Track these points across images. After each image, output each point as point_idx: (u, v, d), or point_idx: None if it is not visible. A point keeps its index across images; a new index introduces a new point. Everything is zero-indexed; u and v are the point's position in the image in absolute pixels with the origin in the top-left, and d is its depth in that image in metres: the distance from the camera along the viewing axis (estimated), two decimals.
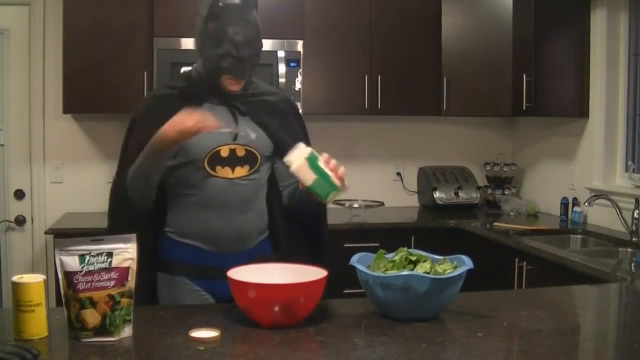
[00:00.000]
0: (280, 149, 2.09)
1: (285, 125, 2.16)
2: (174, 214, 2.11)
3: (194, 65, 2.14)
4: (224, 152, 2.05)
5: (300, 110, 3.86)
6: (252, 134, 2.09)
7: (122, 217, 2.08)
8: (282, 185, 2.21)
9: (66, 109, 3.82)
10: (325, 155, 1.89)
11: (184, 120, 1.84)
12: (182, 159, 2.04)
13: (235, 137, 2.06)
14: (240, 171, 2.07)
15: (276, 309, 1.66)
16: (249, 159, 2.08)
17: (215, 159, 2.04)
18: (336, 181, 1.86)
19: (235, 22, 1.99)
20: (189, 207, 2.08)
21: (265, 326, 1.68)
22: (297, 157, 1.86)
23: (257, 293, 1.68)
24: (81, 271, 1.58)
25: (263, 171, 2.14)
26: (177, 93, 2.10)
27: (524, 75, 3.86)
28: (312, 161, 1.86)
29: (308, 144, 2.20)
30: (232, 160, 2.06)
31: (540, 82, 3.84)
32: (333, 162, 1.89)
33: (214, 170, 2.05)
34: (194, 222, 2.07)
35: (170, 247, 2.10)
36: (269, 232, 2.19)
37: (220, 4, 2.00)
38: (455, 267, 1.77)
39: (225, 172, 2.05)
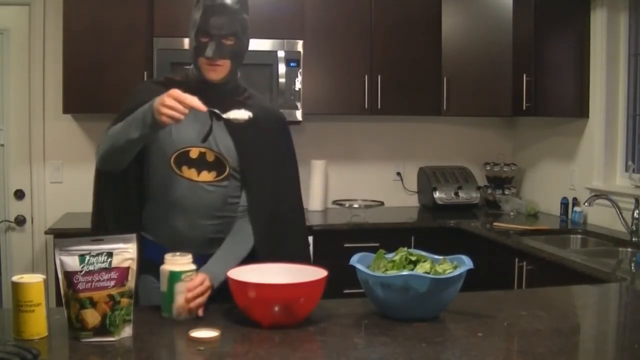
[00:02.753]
0: (245, 168, 2.06)
1: (257, 144, 2.10)
2: (146, 212, 2.12)
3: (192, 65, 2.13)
4: (194, 153, 2.03)
5: (300, 110, 3.89)
6: (223, 142, 2.05)
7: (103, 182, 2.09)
8: (239, 204, 2.12)
9: (66, 109, 3.82)
10: (193, 283, 1.78)
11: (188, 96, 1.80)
12: (153, 152, 2.04)
13: (204, 140, 2.01)
14: (206, 176, 2.04)
15: (276, 309, 1.66)
16: (217, 165, 2.05)
17: (183, 159, 2.02)
18: (175, 310, 1.75)
19: (214, 9, 1.97)
20: (157, 205, 2.08)
21: (265, 326, 1.68)
22: (169, 263, 1.79)
23: (257, 293, 1.68)
24: (81, 271, 1.58)
25: (233, 181, 2.08)
26: (166, 83, 2.08)
27: (524, 75, 3.86)
28: (172, 278, 1.76)
29: (284, 165, 2.16)
30: (200, 163, 2.03)
31: (540, 82, 3.84)
32: (195, 292, 1.77)
33: (179, 169, 2.03)
34: (160, 222, 2.07)
35: (142, 244, 2.08)
36: None
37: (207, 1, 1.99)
38: (455, 267, 1.77)
39: (190, 173, 2.03)
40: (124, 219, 2.10)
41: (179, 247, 1.95)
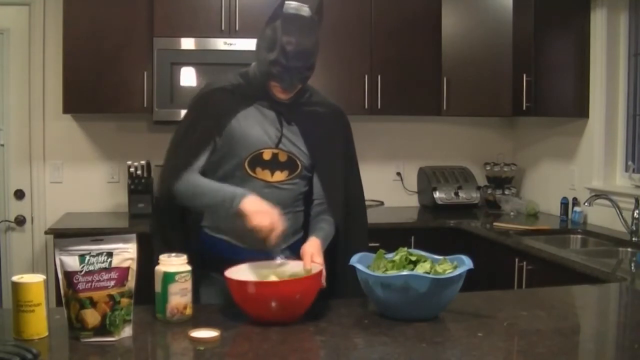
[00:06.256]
0: (317, 164, 2.12)
1: (327, 141, 2.15)
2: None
3: (252, 64, 2.13)
4: (267, 155, 2.05)
5: None
6: (296, 143, 2.09)
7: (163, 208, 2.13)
8: (313, 199, 2.18)
9: (66, 109, 3.82)
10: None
11: (263, 215, 1.87)
12: (225, 157, 2.06)
13: (278, 143, 2.06)
14: (279, 176, 2.07)
15: (273, 304, 1.67)
16: (290, 165, 2.08)
17: (257, 161, 2.05)
18: (169, 312, 1.73)
19: (291, 31, 1.96)
20: None
21: (263, 322, 1.69)
22: (163, 263, 1.77)
23: (255, 290, 1.70)
24: (81, 271, 1.58)
25: (303, 179, 2.13)
26: (232, 89, 2.11)
27: (524, 75, 3.86)
28: (166, 279, 1.74)
29: (349, 159, 2.24)
30: (273, 164, 2.06)
31: (540, 82, 3.84)
32: (314, 258, 1.88)
33: (253, 171, 2.05)
34: (230, 221, 2.04)
35: (204, 242, 2.09)
36: (304, 232, 2.15)
37: (284, 11, 1.98)
38: (455, 267, 1.77)
39: (264, 174, 2.06)
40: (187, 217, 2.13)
41: (247, 242, 1.99)
